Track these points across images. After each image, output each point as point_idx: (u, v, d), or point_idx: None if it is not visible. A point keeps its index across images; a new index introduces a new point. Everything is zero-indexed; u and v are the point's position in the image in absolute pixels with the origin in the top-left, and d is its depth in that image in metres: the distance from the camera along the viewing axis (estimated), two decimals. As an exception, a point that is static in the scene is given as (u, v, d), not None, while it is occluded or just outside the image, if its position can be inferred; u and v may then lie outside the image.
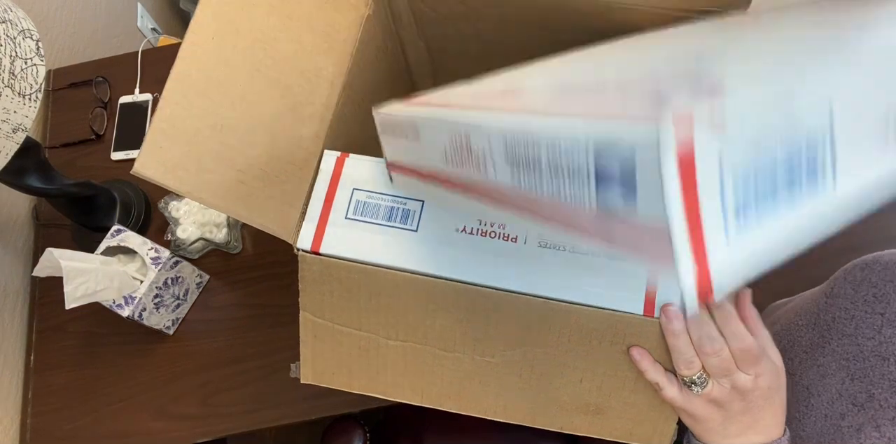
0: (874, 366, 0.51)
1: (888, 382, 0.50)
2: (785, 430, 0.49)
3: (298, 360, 0.54)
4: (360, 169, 0.52)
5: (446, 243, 0.49)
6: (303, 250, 0.50)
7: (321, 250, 0.50)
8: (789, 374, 0.49)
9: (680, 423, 0.50)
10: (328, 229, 0.50)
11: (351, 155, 0.52)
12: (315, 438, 1.08)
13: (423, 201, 0.50)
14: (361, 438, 0.96)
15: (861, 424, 0.51)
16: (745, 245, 0.26)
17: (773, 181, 0.26)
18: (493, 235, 0.49)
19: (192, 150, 0.44)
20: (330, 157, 0.52)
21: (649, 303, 0.46)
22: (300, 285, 0.51)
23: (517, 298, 0.47)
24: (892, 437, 0.50)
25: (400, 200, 0.50)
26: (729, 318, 0.45)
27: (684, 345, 0.45)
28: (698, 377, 0.45)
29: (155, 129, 0.42)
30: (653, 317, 0.46)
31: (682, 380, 0.46)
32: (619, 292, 0.46)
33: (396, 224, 0.50)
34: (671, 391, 0.47)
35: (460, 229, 0.49)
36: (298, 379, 0.55)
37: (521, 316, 0.48)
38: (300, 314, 0.52)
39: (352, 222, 0.50)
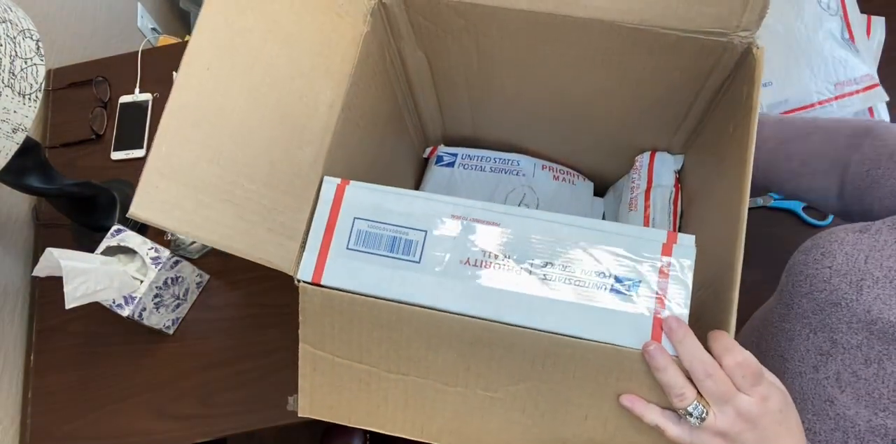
0: (830, 314, 0.52)
1: (845, 324, 0.51)
2: None
3: (296, 392, 0.54)
4: (361, 197, 0.50)
5: (450, 276, 0.48)
6: (304, 282, 0.50)
7: (322, 282, 0.49)
8: (764, 354, 0.48)
9: None
10: (329, 261, 0.49)
11: (352, 182, 0.51)
12: (315, 438, 1.08)
13: (426, 231, 0.49)
14: (361, 438, 0.96)
15: (837, 372, 0.52)
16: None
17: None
18: (497, 267, 0.48)
19: (189, 186, 0.44)
20: (330, 184, 0.51)
21: (656, 338, 0.46)
22: (300, 317, 0.51)
23: (522, 332, 0.47)
24: (869, 377, 0.50)
25: (402, 229, 0.49)
26: (719, 336, 0.44)
27: (672, 378, 0.44)
28: (693, 408, 0.44)
29: (150, 168, 0.41)
30: None
31: (680, 414, 0.45)
32: (625, 329, 0.46)
33: (399, 255, 0.49)
34: (674, 430, 0.46)
35: (464, 262, 0.48)
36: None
37: (525, 351, 0.48)
38: (300, 346, 0.52)
39: (353, 253, 0.49)
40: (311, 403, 0.54)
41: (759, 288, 0.79)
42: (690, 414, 0.44)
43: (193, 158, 0.44)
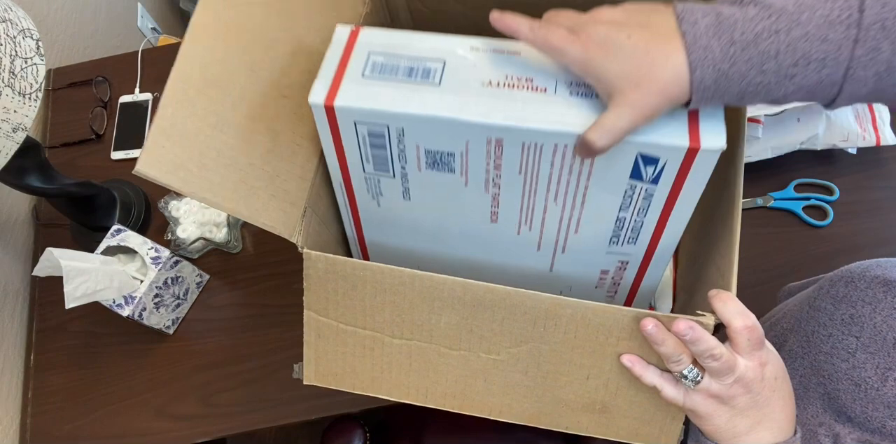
0: (847, 389, 0.52)
1: (860, 407, 0.51)
2: (796, 429, 0.47)
3: (301, 360, 0.54)
4: (376, 37, 0.50)
5: (472, 95, 0.47)
6: (315, 106, 0.48)
7: (336, 103, 0.48)
8: None
9: (688, 422, 0.50)
10: (343, 85, 0.48)
11: (365, 27, 0.51)
12: (315, 438, 1.08)
13: (444, 61, 0.48)
14: (361, 438, 0.95)
15: (836, 434, 0.52)
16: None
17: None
18: (521, 87, 0.47)
19: (194, 149, 0.44)
20: (343, 29, 0.51)
21: (693, 133, 0.45)
22: (305, 283, 0.51)
23: (524, 293, 0.47)
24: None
25: (420, 59, 0.49)
26: (727, 299, 0.44)
27: (671, 349, 0.45)
28: (689, 371, 0.45)
29: (157, 128, 0.42)
30: (699, 147, 0.44)
31: (676, 377, 0.46)
32: (665, 126, 0.44)
33: (417, 80, 0.48)
34: (670, 390, 0.47)
35: (486, 83, 0.47)
36: (299, 379, 0.55)
37: (526, 312, 0.48)
38: (304, 313, 0.52)
39: (369, 80, 0.48)
40: (316, 371, 0.54)
41: (757, 288, 0.79)
42: (685, 377, 0.45)
43: (198, 123, 0.44)
